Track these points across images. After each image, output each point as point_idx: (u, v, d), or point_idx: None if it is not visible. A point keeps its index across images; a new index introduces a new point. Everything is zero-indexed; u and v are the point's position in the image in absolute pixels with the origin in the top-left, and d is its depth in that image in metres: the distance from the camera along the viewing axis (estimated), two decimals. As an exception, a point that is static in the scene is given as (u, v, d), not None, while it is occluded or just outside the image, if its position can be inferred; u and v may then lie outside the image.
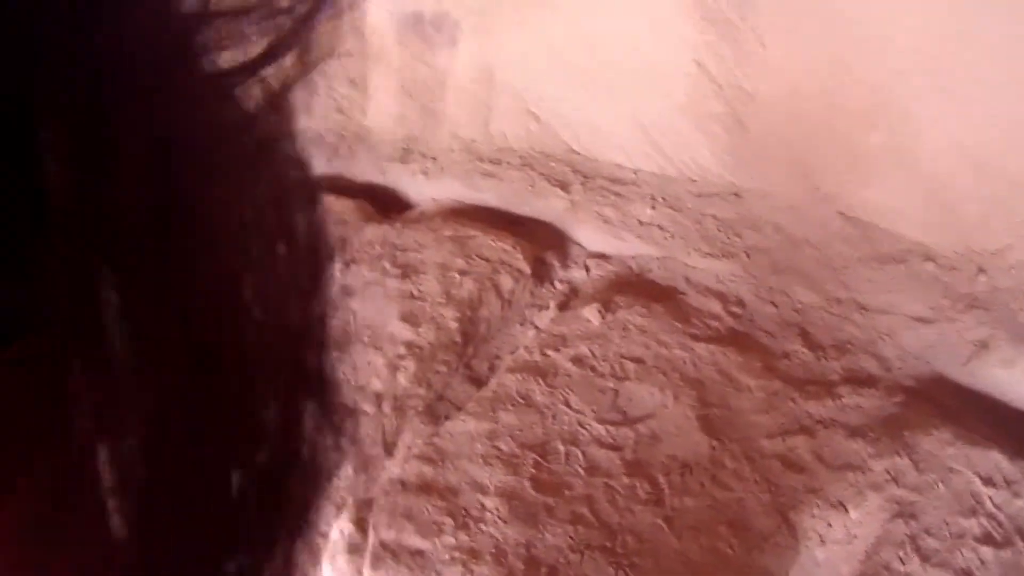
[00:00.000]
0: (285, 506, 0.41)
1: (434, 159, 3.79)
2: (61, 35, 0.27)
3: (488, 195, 3.49)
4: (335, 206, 3.68)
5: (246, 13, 0.34)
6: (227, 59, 0.34)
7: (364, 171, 4.03)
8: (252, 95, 0.36)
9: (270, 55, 0.35)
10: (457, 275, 2.97)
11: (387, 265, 3.12)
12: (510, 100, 3.58)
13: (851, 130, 2.66)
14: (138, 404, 0.31)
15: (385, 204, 3.85)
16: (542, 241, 3.18)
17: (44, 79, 0.26)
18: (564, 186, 3.27)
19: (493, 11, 3.50)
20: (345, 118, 4.22)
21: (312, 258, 0.40)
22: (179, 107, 0.32)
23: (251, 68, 0.35)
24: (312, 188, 0.40)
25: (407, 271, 3.07)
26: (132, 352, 0.30)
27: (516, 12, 3.41)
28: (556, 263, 3.05)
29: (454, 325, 2.77)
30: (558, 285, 2.96)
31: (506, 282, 2.93)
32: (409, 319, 2.81)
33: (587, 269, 2.99)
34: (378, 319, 2.84)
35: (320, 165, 4.15)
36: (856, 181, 2.72)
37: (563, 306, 2.84)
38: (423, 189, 3.78)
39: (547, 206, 3.27)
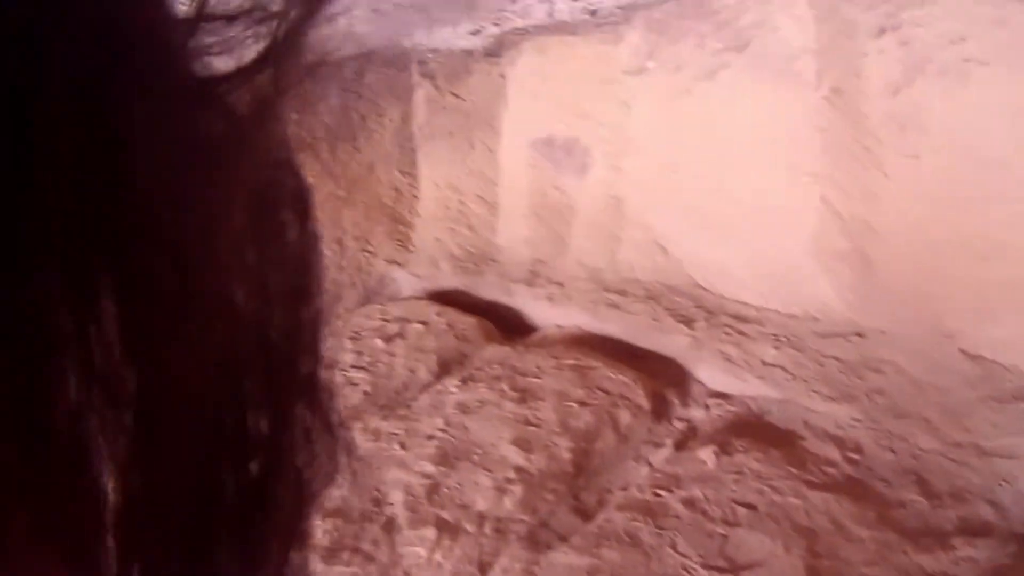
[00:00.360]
0: (275, 514, 0.43)
1: (560, 285, 4.03)
2: (57, 39, 0.29)
3: (612, 326, 3.68)
4: (459, 322, 3.99)
5: (239, 18, 0.37)
6: (220, 64, 0.37)
7: (490, 290, 4.32)
8: (244, 101, 0.38)
9: (263, 61, 0.37)
10: (575, 405, 3.14)
11: (506, 387, 3.33)
12: (638, 231, 3.80)
13: (975, 264, 2.75)
14: (130, 408, 0.33)
15: (508, 324, 4.11)
16: (663, 377, 3.32)
17: (41, 83, 0.29)
18: (688, 322, 3.43)
19: (623, 141, 3.78)
20: (475, 235, 4.56)
21: (303, 265, 0.42)
22: (171, 112, 0.34)
23: (244, 74, 0.37)
24: (304, 195, 0.42)
25: (525, 396, 3.25)
26: (126, 356, 0.32)
27: (646, 144, 3.68)
28: (676, 400, 3.18)
29: (567, 455, 2.91)
30: (676, 423, 3.08)
31: (624, 416, 3.07)
32: (522, 444, 2.97)
33: (707, 408, 3.11)
34: (490, 440, 3.02)
35: (446, 278, 4.52)
36: (980, 317, 2.79)
37: (680, 445, 2.94)
38: (548, 314, 4.01)
39: (670, 342, 3.43)
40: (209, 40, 0.36)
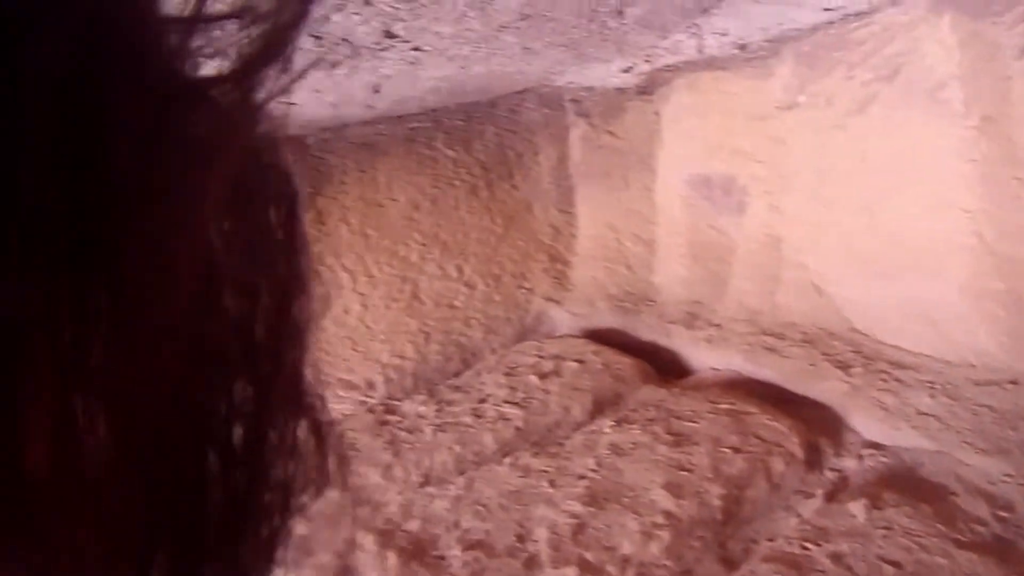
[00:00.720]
0: (256, 523, 0.43)
1: (718, 327, 4.15)
2: (48, 40, 0.31)
3: (768, 371, 3.77)
4: (615, 362, 4.15)
5: (230, 19, 0.37)
6: (211, 65, 0.37)
7: (647, 330, 4.48)
8: (234, 104, 0.38)
9: (253, 63, 0.38)
10: (729, 451, 3.23)
11: (660, 430, 3.45)
12: (796, 272, 3.88)
13: None
14: (111, 411, 0.33)
15: (664, 365, 4.25)
16: (818, 424, 3.38)
17: (29, 81, 0.30)
18: (845, 368, 3.49)
19: (779, 178, 3.87)
20: (632, 274, 4.73)
21: (290, 266, 0.43)
22: (160, 114, 0.35)
23: (233, 76, 0.38)
24: (292, 197, 0.43)
25: (680, 440, 3.36)
26: (112, 355, 0.33)
27: (800, 180, 3.76)
28: (829, 450, 3.24)
29: (717, 503, 3.01)
30: (828, 474, 3.14)
31: (777, 465, 3.14)
32: (673, 489, 3.08)
33: (859, 458, 3.16)
34: (642, 483, 3.14)
35: (603, 317, 4.71)
36: None
37: (830, 496, 3.00)
38: (704, 356, 4.14)
39: (827, 388, 3.50)
40: (200, 42, 0.37)
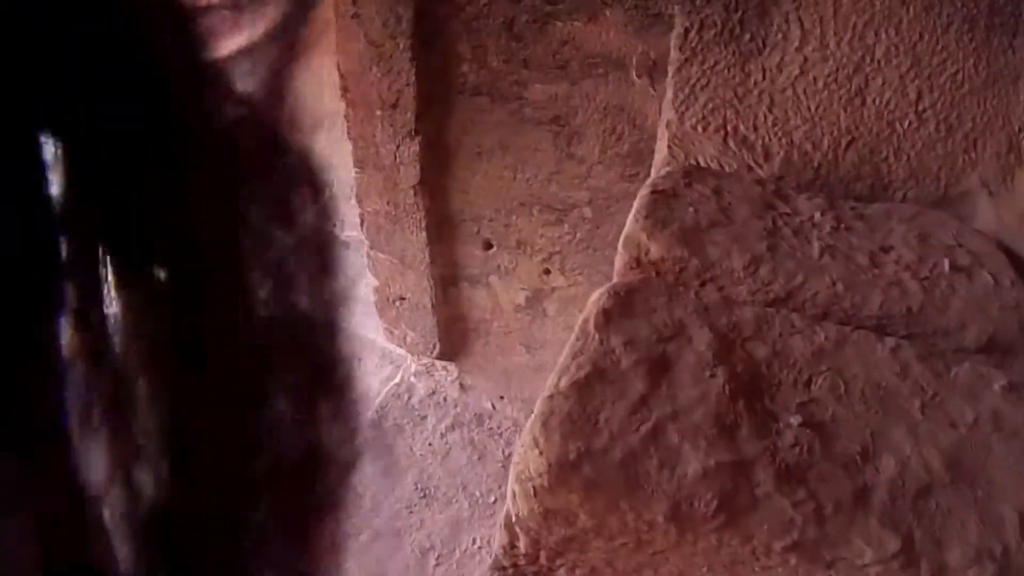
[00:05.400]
0: (306, 498, 0.43)
1: None
2: (64, 30, 0.29)
3: None
4: None
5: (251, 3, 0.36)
6: (225, 46, 0.36)
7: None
8: (251, 83, 0.37)
9: (266, 41, 0.37)
10: None
11: None
12: None
13: None
14: (151, 401, 0.33)
15: None
16: None
17: (47, 75, 0.28)
18: None
19: None
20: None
21: (317, 248, 0.42)
22: (181, 98, 0.34)
23: (248, 54, 0.37)
24: (315, 178, 0.42)
25: None
26: (142, 349, 0.33)
27: None
28: None
29: None
30: None
31: None
32: None
33: None
34: (1005, 484, 2.19)
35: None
36: None
37: None
38: None
39: None
40: (214, 20, 0.35)
